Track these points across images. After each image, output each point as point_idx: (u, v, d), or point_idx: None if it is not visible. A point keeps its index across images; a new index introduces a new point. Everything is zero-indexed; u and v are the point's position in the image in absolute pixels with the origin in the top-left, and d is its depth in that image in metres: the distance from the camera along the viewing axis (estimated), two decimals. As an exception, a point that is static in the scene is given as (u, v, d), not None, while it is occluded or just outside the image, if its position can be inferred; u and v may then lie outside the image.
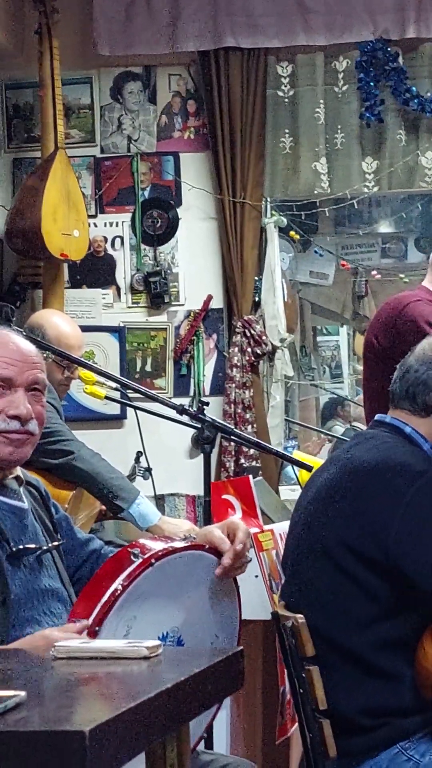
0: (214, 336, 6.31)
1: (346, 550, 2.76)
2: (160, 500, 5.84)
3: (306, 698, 2.74)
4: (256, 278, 6.22)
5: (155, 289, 6.23)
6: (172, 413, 3.84)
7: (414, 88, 6.05)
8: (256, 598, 3.40)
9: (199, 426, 3.74)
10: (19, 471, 2.67)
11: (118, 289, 6.35)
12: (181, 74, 6.35)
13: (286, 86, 6.23)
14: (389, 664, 2.74)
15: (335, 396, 9.77)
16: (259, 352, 6.17)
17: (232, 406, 6.13)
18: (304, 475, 3.93)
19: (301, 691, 2.76)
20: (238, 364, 6.15)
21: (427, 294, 3.78)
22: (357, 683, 2.75)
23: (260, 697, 3.57)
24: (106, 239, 6.35)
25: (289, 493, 5.78)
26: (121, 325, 6.33)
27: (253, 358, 6.16)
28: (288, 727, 3.57)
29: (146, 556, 2.36)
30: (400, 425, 2.91)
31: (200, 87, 6.29)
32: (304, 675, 2.73)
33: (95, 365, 4.51)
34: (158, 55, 6.24)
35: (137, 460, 5.53)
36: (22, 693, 1.66)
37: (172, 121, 6.37)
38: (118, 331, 6.31)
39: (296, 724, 3.02)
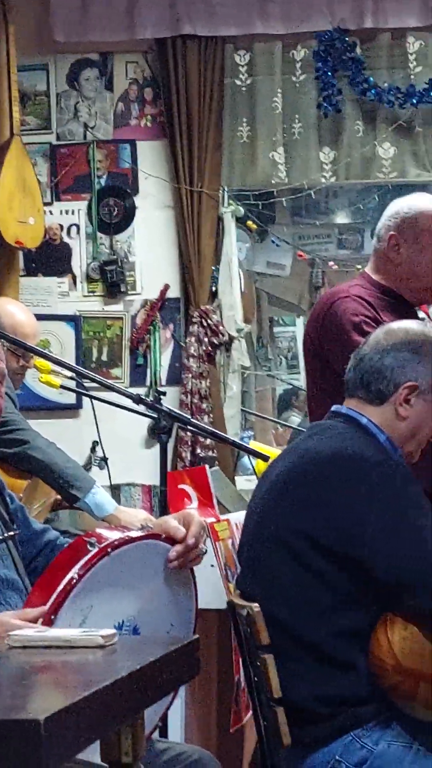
0: (171, 326, 6.30)
1: (302, 540, 2.76)
2: (115, 490, 5.82)
3: (261, 687, 2.74)
4: (214, 268, 6.21)
5: (111, 278, 6.21)
6: (129, 403, 3.83)
7: (371, 79, 6.05)
8: (212, 587, 3.40)
9: (155, 416, 3.73)
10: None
11: (74, 278, 6.32)
12: (138, 62, 6.32)
13: (243, 75, 6.22)
14: (344, 654, 2.75)
15: (291, 387, 9.77)
16: (216, 342, 6.17)
17: (189, 396, 6.13)
18: (261, 466, 3.93)
19: (256, 679, 2.76)
20: (195, 354, 6.14)
21: (367, 282, 3.71)
22: (312, 672, 2.76)
23: (215, 686, 3.57)
24: (61, 227, 6.32)
25: (246, 483, 5.78)
26: (77, 313, 6.31)
27: (209, 348, 6.16)
28: (242, 716, 3.57)
29: (102, 546, 2.36)
30: (356, 416, 2.91)
31: (157, 75, 6.27)
32: (259, 663, 2.73)
33: (50, 354, 4.49)
34: (115, 42, 6.21)
35: (93, 449, 5.53)
36: (-23, 682, 1.65)
37: (128, 108, 6.34)
38: (74, 320, 6.29)
39: (251, 713, 3.02)
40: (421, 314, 3.96)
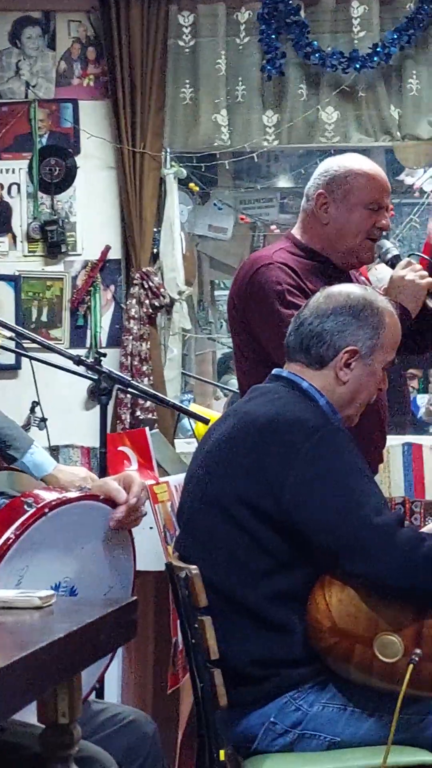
0: (112, 287, 6.28)
1: (241, 503, 2.77)
2: (54, 451, 5.81)
3: (198, 648, 2.75)
4: (155, 230, 6.20)
5: (52, 238, 6.17)
6: (69, 364, 3.81)
7: (315, 43, 6.04)
8: (151, 549, 3.41)
9: (95, 377, 3.71)
10: None
11: (14, 237, 6.27)
12: (81, 21, 6.27)
13: (187, 36, 6.19)
14: (281, 616, 2.77)
15: (231, 350, 9.79)
16: (156, 304, 6.15)
17: (129, 358, 6.12)
18: (200, 428, 3.94)
19: (193, 641, 2.77)
20: (136, 316, 6.12)
21: (292, 245, 3.59)
22: (249, 634, 2.77)
23: (152, 648, 3.58)
24: (2, 186, 6.27)
25: (185, 446, 5.79)
26: (17, 273, 6.26)
27: (150, 311, 6.14)
28: (179, 677, 3.58)
29: (39, 506, 2.35)
30: (297, 380, 2.92)
31: (100, 34, 6.22)
32: (196, 625, 2.74)
33: (-10, 314, 4.45)
34: (58, 0, 6.15)
35: (32, 410, 5.51)
36: None
37: (71, 67, 6.29)
38: (14, 280, 6.24)
39: (187, 675, 3.03)
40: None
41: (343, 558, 2.70)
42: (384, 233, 3.57)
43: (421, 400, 8.04)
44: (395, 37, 6.00)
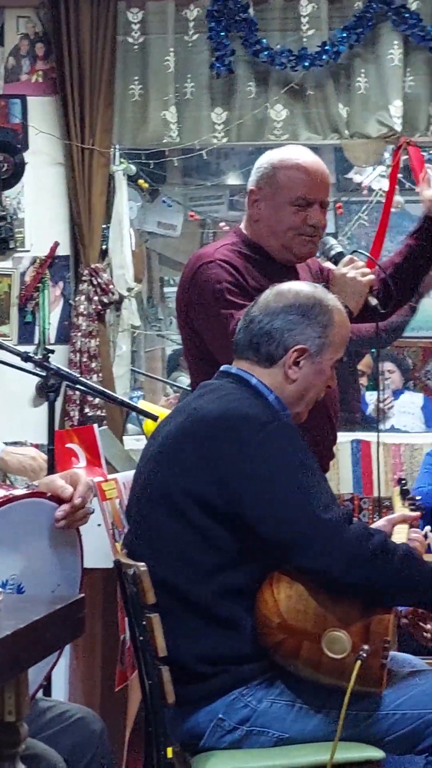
0: (60, 283, 6.26)
1: (190, 499, 2.77)
2: (2, 448, 5.77)
3: (146, 646, 2.75)
4: (104, 226, 6.18)
5: (0, 235, 6.14)
6: (17, 360, 3.79)
7: (264, 40, 6.05)
8: (99, 546, 3.40)
9: (43, 374, 3.70)
10: None
11: (-38, 233, 6.23)
12: (30, 16, 6.24)
13: (136, 33, 6.18)
14: (230, 613, 2.77)
15: (181, 347, 9.78)
16: (105, 301, 6.14)
17: (78, 354, 6.10)
18: (149, 425, 3.93)
19: (141, 638, 2.77)
20: (85, 312, 6.11)
21: (238, 239, 3.58)
22: (197, 631, 2.78)
23: (100, 645, 3.58)
24: None
25: (134, 443, 5.78)
26: (-35, 269, 6.23)
27: (99, 307, 6.12)
28: (127, 675, 3.58)
29: (-15, 504, 2.34)
30: (246, 376, 2.92)
31: (49, 30, 6.19)
32: (144, 623, 2.74)
33: None
34: (7, -4, 6.13)
35: (-20, 407, 5.46)
36: None
37: (20, 63, 6.26)
38: (-38, 276, 6.21)
39: (135, 672, 3.03)
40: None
41: (292, 554, 2.71)
42: (314, 228, 3.50)
43: (370, 397, 8.08)
44: (344, 35, 6.02)
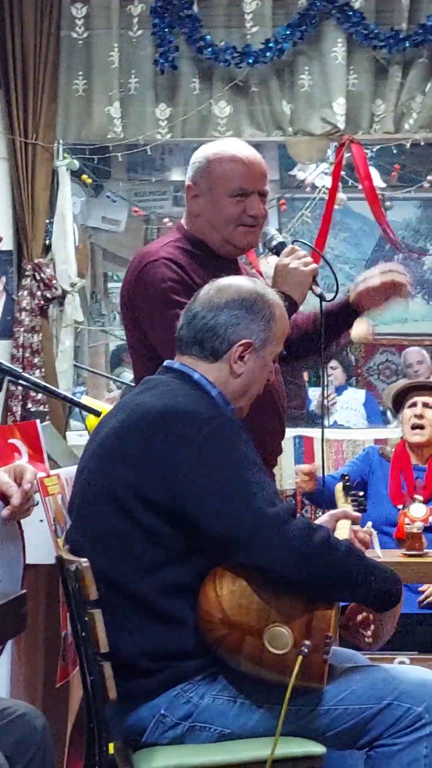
0: (3, 278, 6.23)
1: (133, 495, 2.77)
2: None
3: (88, 641, 2.75)
4: (48, 221, 6.16)
5: None
6: (-42, 356, 3.78)
7: (208, 37, 6.06)
8: (41, 542, 3.38)
9: (-15, 369, 3.67)
10: None
11: None
12: (-27, 10, 6.20)
13: (80, 28, 6.17)
14: (172, 608, 2.77)
15: (124, 343, 9.77)
16: (49, 296, 6.12)
17: (21, 349, 6.08)
18: (92, 421, 3.92)
19: (83, 634, 2.76)
20: (27, 307, 6.09)
21: (182, 236, 3.55)
22: (140, 627, 2.77)
23: (42, 641, 3.56)
24: None
25: (77, 439, 5.77)
26: None
27: (42, 302, 6.11)
28: (69, 671, 3.57)
29: None
30: (189, 371, 2.93)
31: (-7, 24, 6.16)
32: (86, 618, 2.74)
33: None
34: None
35: None
36: None
37: (-37, 57, 6.22)
38: None
39: (77, 668, 3.03)
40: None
41: (236, 549, 2.71)
42: (254, 218, 3.47)
43: (313, 393, 8.11)
44: (288, 32, 6.05)
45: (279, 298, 3.00)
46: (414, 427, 5.02)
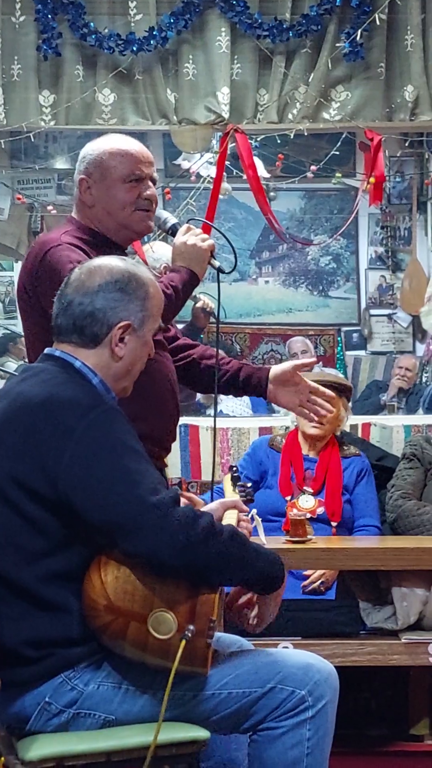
0: None
1: (15, 485, 2.75)
2: None
3: (-28, 631, 2.74)
4: None
5: None
6: None
7: (92, 24, 6.03)
8: None
9: None
10: None
11: None
12: None
13: (-39, 13, 6.09)
14: (57, 596, 2.76)
15: (9, 332, 9.69)
16: None
17: None
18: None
19: (-33, 623, 2.75)
20: None
21: (75, 227, 3.64)
22: (23, 615, 2.76)
23: None
24: None
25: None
26: None
27: None
28: None
29: None
30: (70, 359, 2.91)
31: None
32: (-32, 607, 2.73)
33: None
34: None
35: None
36: None
37: None
38: None
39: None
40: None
41: (120, 537, 2.71)
42: (149, 201, 3.59)
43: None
44: (172, 21, 6.05)
45: (151, 275, 3.02)
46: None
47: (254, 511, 3.26)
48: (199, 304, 6.80)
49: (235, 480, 3.44)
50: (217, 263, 3.65)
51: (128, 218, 3.58)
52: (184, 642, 2.68)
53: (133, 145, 3.62)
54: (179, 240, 3.65)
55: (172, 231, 3.72)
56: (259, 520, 3.27)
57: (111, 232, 3.60)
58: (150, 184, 3.61)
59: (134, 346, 2.93)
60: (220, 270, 3.66)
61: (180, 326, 5.83)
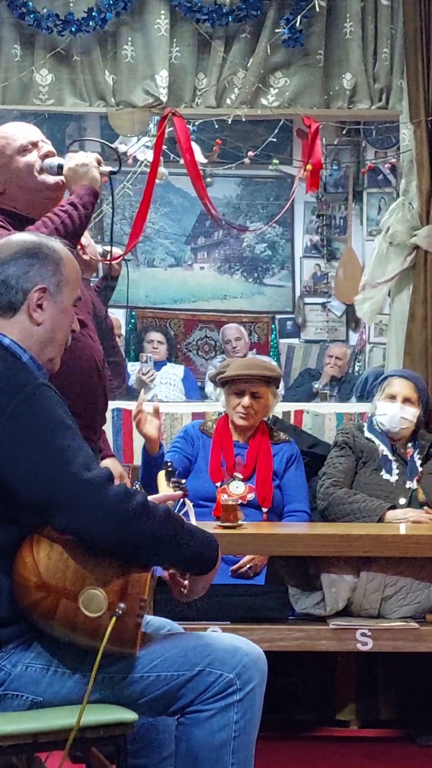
0: None
1: None
2: None
3: None
4: None
5: None
6: None
7: (30, 3, 5.97)
8: None
9: None
10: None
11: None
12: None
13: None
14: (-14, 576, 2.76)
15: None
16: None
17: None
18: None
19: None
20: None
21: None
22: None
23: None
24: None
25: None
26: None
27: None
28: None
29: None
30: (-1, 337, 2.90)
31: None
32: None
33: None
34: None
35: None
36: None
37: None
38: None
39: None
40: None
41: (53, 514, 2.70)
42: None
43: (132, 367, 8.12)
44: (111, 2, 6.00)
45: (62, 245, 3.03)
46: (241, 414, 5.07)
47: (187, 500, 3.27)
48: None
49: (169, 475, 3.44)
50: (106, 169, 3.88)
51: (40, 183, 3.80)
52: (114, 619, 2.68)
53: (14, 125, 3.90)
54: (66, 168, 3.81)
55: (60, 170, 3.84)
56: (191, 504, 3.28)
57: (27, 206, 3.78)
58: (42, 144, 3.84)
59: (53, 312, 2.94)
60: (111, 173, 3.89)
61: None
